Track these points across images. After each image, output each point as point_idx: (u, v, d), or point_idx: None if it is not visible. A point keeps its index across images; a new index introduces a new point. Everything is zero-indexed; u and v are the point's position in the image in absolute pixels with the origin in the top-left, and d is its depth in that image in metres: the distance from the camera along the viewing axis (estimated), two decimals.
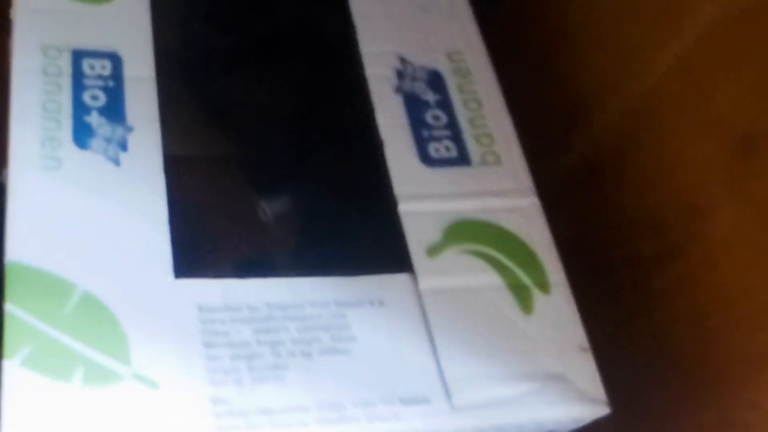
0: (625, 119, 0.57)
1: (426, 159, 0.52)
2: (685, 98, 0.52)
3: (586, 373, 0.46)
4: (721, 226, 0.49)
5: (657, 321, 0.54)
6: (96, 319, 0.43)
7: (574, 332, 0.47)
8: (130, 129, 0.49)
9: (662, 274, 0.53)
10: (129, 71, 0.51)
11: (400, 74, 0.55)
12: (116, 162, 0.48)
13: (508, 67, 0.59)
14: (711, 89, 0.50)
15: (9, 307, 0.42)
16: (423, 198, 0.50)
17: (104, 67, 0.51)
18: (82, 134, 0.48)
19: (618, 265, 0.57)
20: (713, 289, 0.50)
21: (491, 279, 0.48)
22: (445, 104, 0.55)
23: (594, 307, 0.60)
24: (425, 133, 0.53)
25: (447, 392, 0.44)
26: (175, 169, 0.48)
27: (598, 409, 0.45)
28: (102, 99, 0.50)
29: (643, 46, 0.55)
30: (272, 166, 0.59)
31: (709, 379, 0.51)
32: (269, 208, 0.61)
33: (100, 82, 0.50)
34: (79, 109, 0.49)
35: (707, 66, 0.50)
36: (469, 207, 0.51)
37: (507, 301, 0.48)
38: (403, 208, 0.50)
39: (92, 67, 0.51)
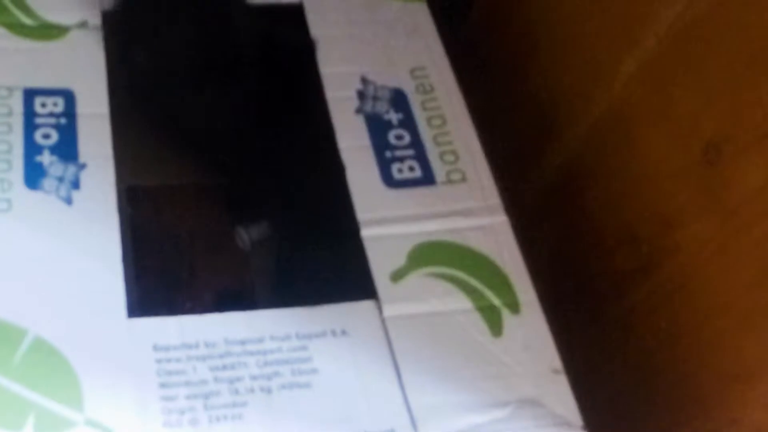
0: (595, 130, 0.55)
1: (389, 181, 0.51)
2: (650, 106, 0.50)
3: (560, 396, 0.44)
4: (693, 238, 0.47)
5: (636, 337, 0.53)
6: (48, 364, 0.42)
7: (547, 353, 0.46)
8: (82, 166, 0.48)
9: (639, 289, 0.52)
10: (82, 108, 0.50)
11: (362, 95, 0.54)
12: (68, 201, 0.47)
13: (477, 82, 0.58)
14: (674, 96, 0.48)
15: None
16: (386, 222, 0.49)
17: (56, 105, 0.50)
18: (33, 175, 0.47)
19: (598, 279, 0.55)
20: (688, 305, 0.48)
21: (458, 302, 0.47)
22: (409, 123, 0.53)
23: (578, 323, 0.58)
24: (388, 154, 0.52)
25: (413, 423, 0.42)
26: (131, 203, 0.48)
27: None
28: (54, 137, 0.49)
29: (606, 57, 0.54)
30: (232, 195, 0.58)
31: (689, 396, 0.49)
32: (246, 234, 0.60)
33: (52, 120, 0.50)
34: (31, 148, 0.48)
35: (668, 72, 0.49)
36: (434, 228, 0.49)
37: (476, 324, 0.46)
38: (366, 233, 0.48)
39: (44, 105, 0.50)
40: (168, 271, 0.52)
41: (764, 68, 0.43)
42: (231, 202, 0.61)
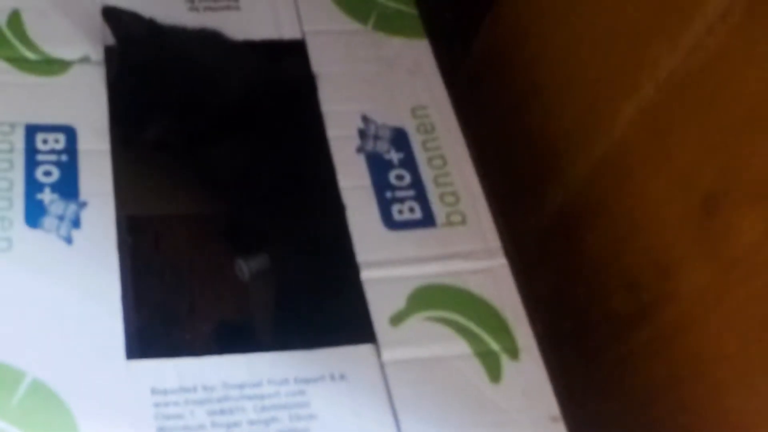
0: (594, 173, 0.55)
1: (389, 222, 0.51)
2: (650, 152, 0.51)
3: None
4: (692, 288, 0.48)
5: (635, 384, 0.52)
6: (46, 407, 0.42)
7: (545, 400, 0.46)
8: (83, 204, 0.48)
9: (637, 335, 0.52)
10: (83, 144, 0.50)
11: (363, 134, 0.54)
12: (68, 240, 0.47)
13: (478, 122, 0.58)
14: (673, 144, 0.49)
15: None
16: (386, 264, 0.49)
17: (57, 141, 0.50)
18: (33, 213, 0.47)
19: (596, 323, 0.55)
20: (687, 353, 0.48)
21: (457, 347, 0.47)
22: (409, 163, 0.53)
23: (576, 366, 0.58)
24: (389, 195, 0.52)
25: None
26: (131, 233, 0.47)
27: None
28: (55, 174, 0.49)
29: (606, 101, 0.54)
30: (231, 227, 0.58)
31: None
32: (246, 266, 0.60)
33: (53, 157, 0.50)
34: (32, 186, 0.48)
35: (667, 120, 0.49)
36: (434, 271, 0.49)
37: (474, 370, 0.46)
38: (366, 275, 0.48)
39: (45, 142, 0.50)
40: (168, 305, 0.52)
41: (763, 123, 0.43)
42: (231, 233, 0.61)
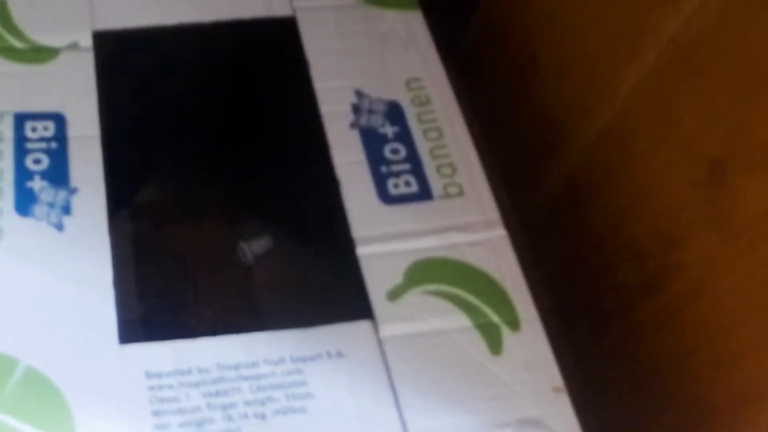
0: (598, 143, 0.54)
1: (385, 197, 0.50)
2: (653, 120, 0.49)
3: (561, 415, 0.43)
4: (699, 257, 0.46)
5: (645, 355, 0.51)
6: (39, 394, 0.41)
7: (548, 372, 0.44)
8: (74, 191, 0.48)
9: (647, 306, 0.50)
10: (73, 131, 0.50)
11: (357, 109, 0.53)
12: (59, 227, 0.46)
13: (479, 93, 0.57)
14: (677, 111, 0.47)
15: None
16: (382, 239, 0.48)
17: (47, 129, 0.50)
18: (24, 201, 0.47)
19: (605, 295, 0.54)
20: (697, 323, 0.47)
21: (457, 320, 0.46)
22: (405, 136, 0.52)
23: (585, 338, 0.57)
24: (384, 169, 0.51)
25: None
26: (131, 219, 0.47)
27: None
28: (45, 162, 0.49)
29: (608, 69, 0.52)
30: (227, 215, 0.58)
31: (700, 417, 0.47)
32: (248, 248, 0.59)
33: (43, 145, 0.49)
34: (22, 174, 0.48)
35: (671, 86, 0.47)
36: (431, 245, 0.48)
37: (474, 343, 0.45)
38: (362, 251, 0.47)
39: (34, 130, 0.50)
40: (170, 291, 0.51)
41: (766, 83, 0.41)
42: (230, 217, 0.60)
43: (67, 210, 0.47)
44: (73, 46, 0.53)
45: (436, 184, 0.50)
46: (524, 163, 0.61)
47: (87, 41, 0.54)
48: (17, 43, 0.53)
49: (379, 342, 0.45)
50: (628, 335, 0.52)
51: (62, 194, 0.47)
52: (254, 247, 0.60)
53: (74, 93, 0.51)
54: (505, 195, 0.60)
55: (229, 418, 0.42)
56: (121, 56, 0.54)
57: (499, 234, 0.49)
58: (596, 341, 0.54)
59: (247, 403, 0.42)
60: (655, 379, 0.50)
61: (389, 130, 0.53)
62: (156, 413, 0.41)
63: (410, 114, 0.53)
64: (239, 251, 0.59)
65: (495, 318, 0.46)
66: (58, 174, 0.48)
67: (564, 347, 0.54)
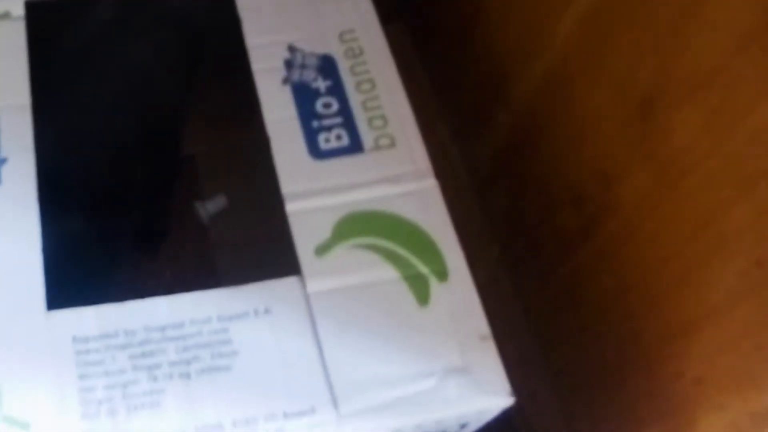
0: (539, 89, 0.53)
1: (315, 152, 0.49)
2: (588, 62, 0.48)
3: (487, 363, 0.43)
4: (632, 195, 0.45)
5: (586, 297, 0.50)
6: None
7: (474, 319, 0.44)
8: (3, 160, 0.48)
9: (585, 248, 0.50)
10: (3, 101, 0.50)
11: (289, 64, 0.52)
12: None
13: (428, 46, 0.56)
14: (610, 51, 0.46)
15: None
16: (311, 195, 0.48)
17: None
18: None
19: (548, 240, 0.53)
20: (632, 261, 0.46)
21: (384, 272, 0.45)
22: (337, 90, 0.52)
23: (532, 284, 0.56)
24: (315, 124, 0.50)
25: (334, 401, 0.42)
26: (51, 195, 0.47)
27: (502, 400, 0.42)
28: None
29: (545, 14, 0.51)
30: (153, 176, 0.57)
31: (636, 352, 0.47)
32: (203, 209, 0.59)
33: None
34: None
35: (604, 27, 0.46)
36: (360, 198, 0.47)
37: (402, 294, 0.45)
38: (291, 207, 0.47)
39: None
40: (87, 263, 0.51)
41: (690, 18, 0.40)
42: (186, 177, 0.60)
43: None
44: (5, 16, 0.53)
45: (367, 136, 0.50)
46: (473, 112, 0.60)
47: (19, 11, 0.53)
48: None
49: (306, 297, 0.45)
50: (570, 278, 0.51)
51: None
52: (209, 207, 0.61)
53: (5, 62, 0.51)
54: (456, 149, 0.60)
55: (154, 379, 0.42)
56: (53, 26, 0.53)
57: (429, 184, 0.48)
58: (541, 286, 0.54)
59: (172, 363, 0.42)
60: (597, 319, 0.50)
61: (322, 84, 0.52)
62: (82, 376, 0.42)
63: (343, 67, 0.52)
64: (195, 210, 0.59)
65: (423, 269, 0.45)
66: None
67: (511, 292, 0.54)
